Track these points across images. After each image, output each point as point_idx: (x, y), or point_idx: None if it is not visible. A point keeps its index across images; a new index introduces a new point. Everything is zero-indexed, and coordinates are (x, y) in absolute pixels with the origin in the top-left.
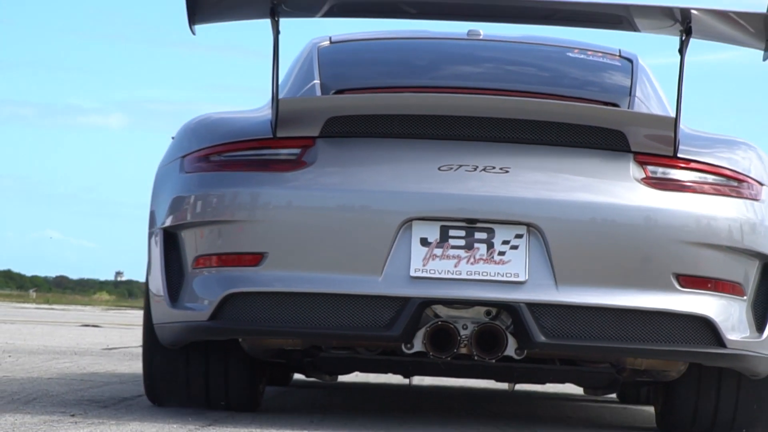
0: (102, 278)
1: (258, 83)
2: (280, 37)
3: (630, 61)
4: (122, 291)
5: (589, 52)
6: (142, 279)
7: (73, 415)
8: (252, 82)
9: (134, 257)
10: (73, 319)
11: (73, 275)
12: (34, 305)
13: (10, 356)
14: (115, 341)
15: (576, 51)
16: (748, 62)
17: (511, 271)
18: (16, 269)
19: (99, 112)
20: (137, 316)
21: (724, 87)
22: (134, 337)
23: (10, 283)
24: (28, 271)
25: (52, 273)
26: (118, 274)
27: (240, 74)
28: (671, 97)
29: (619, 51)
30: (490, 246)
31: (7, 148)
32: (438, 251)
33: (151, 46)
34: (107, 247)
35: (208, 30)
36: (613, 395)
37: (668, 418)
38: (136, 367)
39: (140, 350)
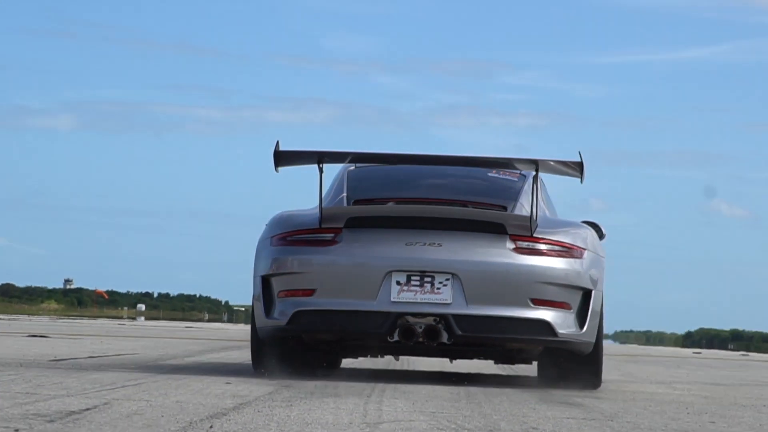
0: (50, 286)
1: (215, 83)
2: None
3: (525, 177)
4: (71, 300)
5: (502, 172)
6: (93, 287)
7: (17, 430)
8: (209, 82)
9: (85, 264)
10: (19, 330)
11: (20, 283)
12: None
13: None
14: (63, 352)
15: (494, 172)
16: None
17: (443, 298)
18: None
19: (46, 113)
20: (87, 325)
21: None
22: (83, 348)
23: None
24: None
25: None
26: (68, 281)
27: (196, 74)
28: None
29: (520, 171)
30: (432, 285)
31: None
32: (405, 288)
33: (102, 44)
34: (56, 254)
35: (163, 27)
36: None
37: (541, 373)
38: (86, 379)
39: (89, 361)
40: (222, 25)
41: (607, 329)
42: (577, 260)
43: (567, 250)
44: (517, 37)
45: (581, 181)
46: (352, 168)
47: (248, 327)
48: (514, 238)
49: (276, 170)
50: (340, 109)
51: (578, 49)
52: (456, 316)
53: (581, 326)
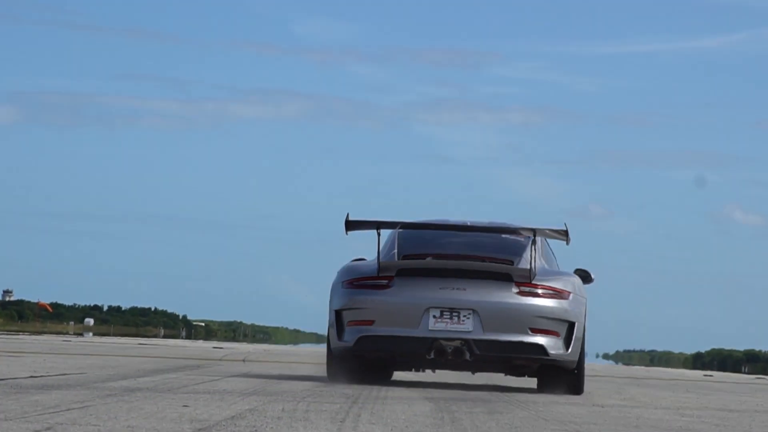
0: None
1: (173, 73)
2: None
3: (529, 238)
4: (11, 313)
5: (514, 234)
6: (35, 299)
7: None
8: (166, 72)
9: (26, 273)
10: None
11: None
12: None
13: None
14: (1, 371)
15: (506, 234)
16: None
17: (466, 328)
18: None
19: None
20: (28, 342)
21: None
22: (23, 367)
23: None
24: None
25: None
26: (7, 293)
27: (152, 63)
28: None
29: (534, 232)
30: (459, 318)
31: None
32: (439, 320)
33: (48, 29)
34: None
35: (115, 10)
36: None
37: (540, 383)
38: (26, 401)
39: (30, 381)
40: (181, 8)
41: (608, 349)
42: (564, 300)
43: (557, 293)
44: (508, 24)
45: (567, 244)
46: (401, 231)
47: (208, 344)
48: (518, 284)
49: (346, 233)
50: (313, 103)
51: (576, 38)
52: (475, 341)
53: (567, 348)
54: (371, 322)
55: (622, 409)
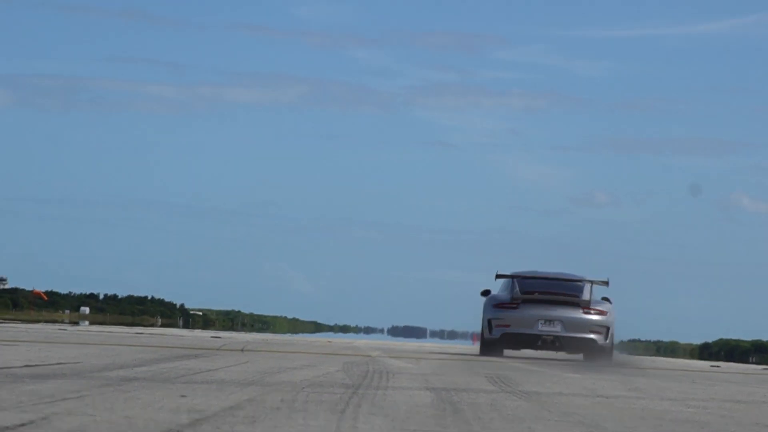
0: None
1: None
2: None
3: (585, 283)
4: (5, 301)
5: (577, 282)
6: (30, 287)
7: None
8: (161, 55)
9: (20, 261)
10: None
11: None
12: None
13: None
14: None
15: (573, 281)
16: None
17: (557, 330)
18: None
19: None
20: (23, 330)
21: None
22: (18, 356)
23: None
24: None
25: None
26: (1, 280)
27: (147, 45)
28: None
29: (588, 282)
30: (552, 324)
31: None
32: (543, 325)
33: (39, 10)
34: None
35: None
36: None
37: (585, 358)
38: (21, 391)
39: (25, 371)
40: None
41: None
42: (604, 316)
43: (600, 313)
44: (511, 7)
45: (607, 287)
46: (518, 279)
47: (206, 333)
48: (582, 308)
49: (495, 280)
50: (312, 87)
51: (580, 22)
52: (561, 337)
53: (606, 340)
54: (509, 326)
55: (627, 401)
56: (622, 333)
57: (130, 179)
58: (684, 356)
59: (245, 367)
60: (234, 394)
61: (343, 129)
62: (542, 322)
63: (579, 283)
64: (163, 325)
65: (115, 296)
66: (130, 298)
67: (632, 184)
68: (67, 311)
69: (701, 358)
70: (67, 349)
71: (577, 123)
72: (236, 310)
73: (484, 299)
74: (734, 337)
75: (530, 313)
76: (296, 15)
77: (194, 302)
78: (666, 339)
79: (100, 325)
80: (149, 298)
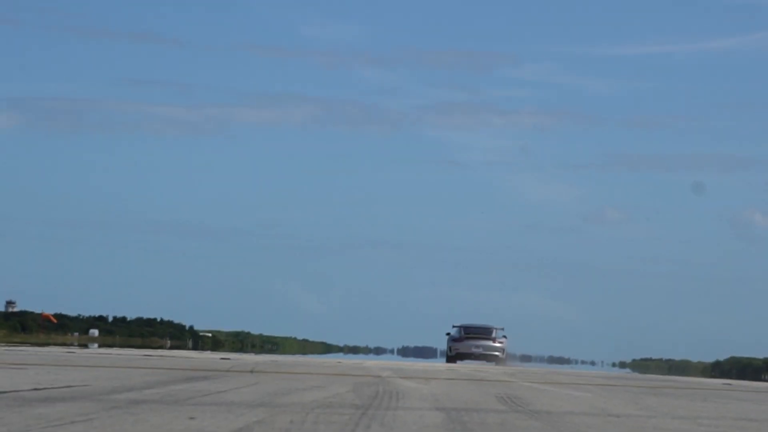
0: None
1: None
2: None
3: (495, 328)
4: (14, 324)
5: (491, 328)
6: (39, 309)
7: None
8: (170, 77)
9: (29, 284)
10: None
11: None
12: None
13: None
14: (4, 384)
15: (489, 327)
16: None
17: (481, 351)
18: None
19: None
20: (32, 353)
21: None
22: (26, 379)
23: None
24: None
25: None
26: (10, 303)
27: (155, 67)
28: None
29: (495, 328)
30: (479, 349)
31: None
32: (474, 347)
33: (48, 33)
34: None
35: (118, 13)
36: None
37: (495, 364)
38: (29, 414)
39: (33, 394)
40: (185, 11)
41: (624, 357)
42: (501, 344)
43: (500, 342)
44: (520, 24)
45: (503, 334)
46: (463, 326)
47: (215, 355)
48: (491, 340)
49: (452, 327)
50: (320, 107)
51: (591, 39)
52: (482, 354)
53: (503, 355)
54: (459, 350)
55: (638, 419)
56: (629, 350)
57: (138, 201)
58: (696, 374)
59: (254, 389)
60: (243, 415)
61: (352, 149)
62: (474, 347)
63: (490, 328)
64: (172, 347)
65: (124, 318)
66: (139, 320)
67: (643, 201)
68: (76, 334)
69: (712, 376)
70: (75, 372)
71: (587, 141)
72: (245, 331)
73: (447, 337)
74: (746, 355)
75: (468, 343)
76: (304, 35)
77: (203, 324)
78: (678, 357)
79: (109, 348)
80: (158, 320)
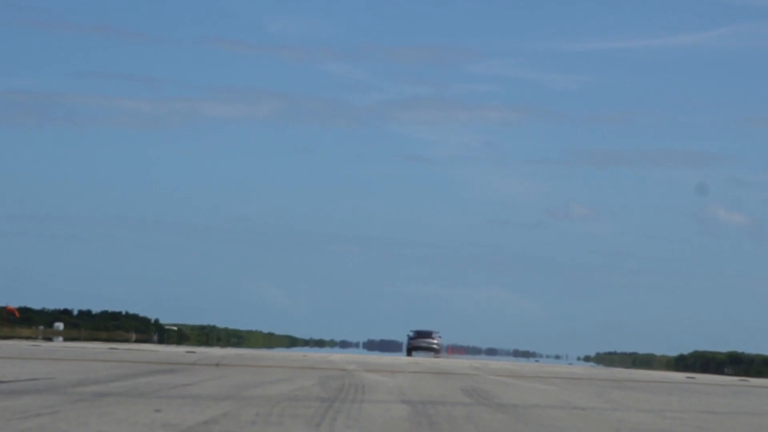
0: None
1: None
2: None
3: (437, 332)
4: None
5: (433, 331)
6: (2, 303)
7: None
8: (135, 70)
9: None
10: None
11: None
12: None
13: None
14: None
15: (431, 331)
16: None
17: (426, 346)
18: None
19: None
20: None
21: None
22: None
23: None
24: None
25: None
26: None
27: (120, 61)
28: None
29: (435, 332)
30: (425, 344)
31: None
32: (422, 343)
33: (12, 26)
34: None
35: (83, 6)
36: None
37: (434, 355)
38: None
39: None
40: (151, 5)
41: (589, 351)
42: (438, 341)
43: (437, 339)
44: (485, 21)
45: (440, 337)
46: (415, 330)
47: (180, 349)
48: (432, 338)
49: (409, 332)
50: (285, 102)
51: (555, 35)
52: (427, 348)
53: (439, 348)
54: (412, 345)
55: (603, 412)
56: (593, 344)
57: (103, 195)
58: (660, 368)
59: (220, 382)
60: (209, 408)
61: (318, 143)
62: (423, 342)
63: (431, 331)
64: (137, 341)
65: (89, 312)
66: (104, 313)
67: (608, 196)
68: (41, 327)
69: (676, 370)
70: (41, 365)
71: (552, 136)
72: (211, 325)
73: (407, 337)
74: (710, 349)
75: (418, 341)
76: (270, 30)
77: (169, 317)
78: (642, 351)
79: (75, 341)
80: (123, 313)
